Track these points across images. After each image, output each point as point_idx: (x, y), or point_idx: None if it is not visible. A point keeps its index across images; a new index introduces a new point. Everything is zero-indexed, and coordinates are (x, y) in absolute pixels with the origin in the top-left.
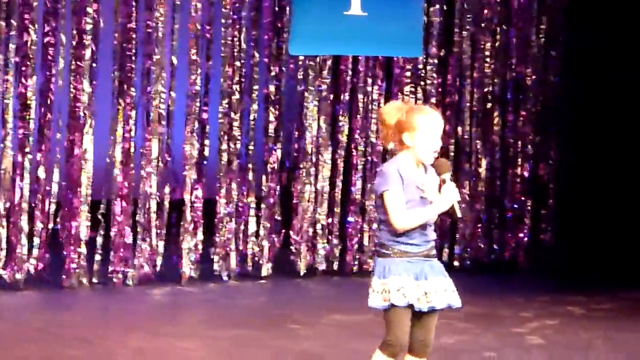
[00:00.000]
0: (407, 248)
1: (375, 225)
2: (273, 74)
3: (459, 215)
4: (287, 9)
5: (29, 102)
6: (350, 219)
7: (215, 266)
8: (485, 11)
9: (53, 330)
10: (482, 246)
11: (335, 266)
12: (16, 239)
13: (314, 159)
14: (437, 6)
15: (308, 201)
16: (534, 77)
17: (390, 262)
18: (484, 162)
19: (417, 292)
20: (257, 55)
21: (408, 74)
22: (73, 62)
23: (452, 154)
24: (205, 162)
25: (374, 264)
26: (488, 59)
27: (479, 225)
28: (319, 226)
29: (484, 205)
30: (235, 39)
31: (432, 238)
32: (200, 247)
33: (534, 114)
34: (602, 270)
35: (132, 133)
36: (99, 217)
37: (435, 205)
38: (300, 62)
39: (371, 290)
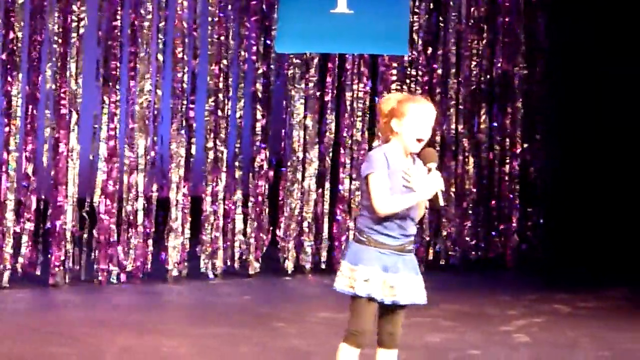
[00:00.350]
0: (383, 239)
1: None
2: (260, 72)
3: (442, 204)
4: (275, 7)
5: (14, 99)
6: (337, 217)
7: (202, 264)
8: (472, 9)
9: (39, 328)
10: (469, 244)
11: (323, 264)
12: (2, 237)
13: (301, 157)
14: (423, 4)
15: (295, 199)
16: (521, 73)
17: (364, 250)
18: (471, 160)
19: (382, 284)
20: (243, 53)
21: (394, 71)
22: (59, 60)
23: (438, 151)
24: (192, 160)
25: (348, 246)
26: (475, 57)
27: (466, 223)
28: (306, 224)
29: (471, 203)
30: (222, 37)
31: (411, 233)
32: (187, 245)
33: (521, 111)
34: (589, 268)
35: (118, 131)
36: (85, 215)
37: (418, 192)
38: (287, 60)
39: (339, 272)
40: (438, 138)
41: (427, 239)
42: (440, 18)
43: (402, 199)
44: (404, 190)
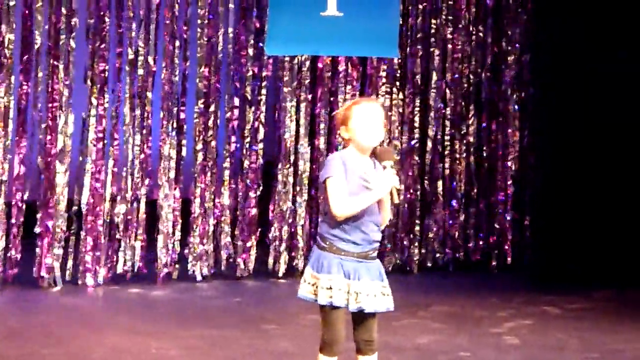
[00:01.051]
0: (344, 245)
1: None
2: (250, 74)
3: (396, 201)
4: (266, 9)
5: (4, 101)
6: None
7: (190, 266)
8: (463, 11)
9: (28, 330)
10: (458, 246)
11: None
12: None
13: (292, 159)
14: (413, 7)
15: (287, 201)
16: (511, 74)
17: (325, 256)
18: (462, 162)
19: (346, 292)
20: (234, 55)
21: (383, 74)
22: (49, 62)
23: (428, 153)
24: (182, 162)
25: (311, 252)
26: (465, 59)
27: (455, 224)
28: (299, 226)
29: (461, 204)
30: (213, 39)
31: (374, 239)
32: (177, 246)
33: (512, 113)
34: (578, 270)
35: (107, 133)
36: (74, 216)
37: (373, 192)
38: (278, 62)
39: (303, 279)
40: (429, 139)
41: (415, 239)
42: (432, 20)
43: (358, 200)
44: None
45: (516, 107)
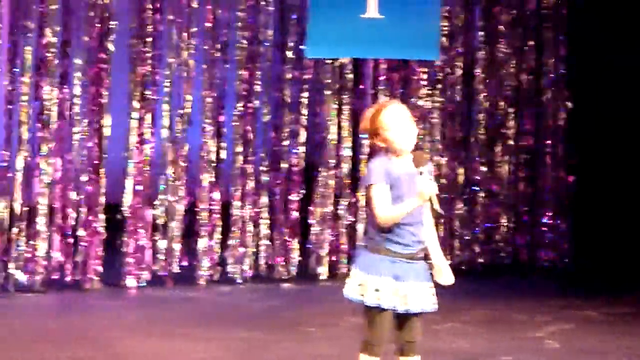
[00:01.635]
0: (394, 247)
1: None
2: (290, 76)
3: (438, 209)
4: (308, 12)
5: (47, 104)
6: None
7: (231, 268)
8: (503, 15)
9: (69, 332)
10: (496, 249)
11: None
12: (35, 241)
13: (333, 162)
14: (454, 9)
15: (329, 204)
16: (549, 76)
17: (374, 258)
18: (504, 165)
19: (394, 293)
20: (274, 58)
21: (424, 76)
22: (90, 65)
23: (469, 156)
24: (221, 165)
25: (358, 253)
26: (505, 61)
27: (493, 228)
28: (342, 229)
29: (500, 207)
30: (253, 42)
31: (422, 239)
32: (217, 249)
33: (551, 118)
34: (619, 274)
35: (149, 136)
36: (117, 219)
37: (412, 199)
38: (319, 65)
39: (349, 279)
40: (468, 143)
41: (453, 242)
42: (473, 22)
43: (400, 207)
44: (412, 195)
45: (561, 110)
